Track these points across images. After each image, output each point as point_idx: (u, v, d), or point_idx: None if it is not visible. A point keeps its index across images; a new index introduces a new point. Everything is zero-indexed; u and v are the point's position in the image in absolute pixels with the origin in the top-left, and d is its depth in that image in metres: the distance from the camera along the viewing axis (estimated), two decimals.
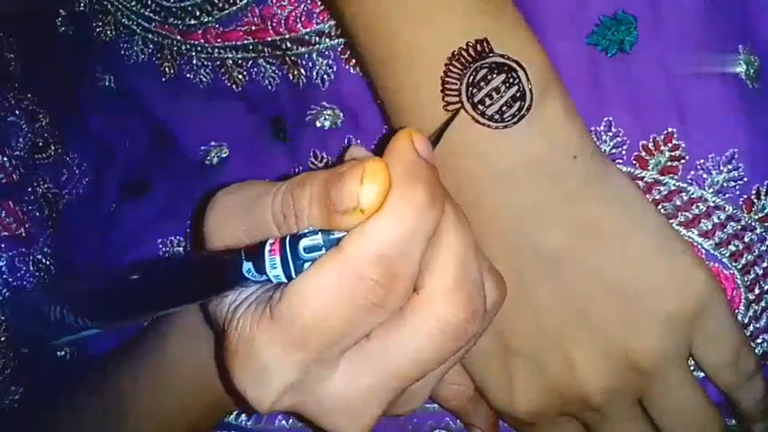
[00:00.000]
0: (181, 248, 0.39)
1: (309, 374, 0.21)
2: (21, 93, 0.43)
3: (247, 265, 0.22)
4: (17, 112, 0.42)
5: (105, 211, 0.43)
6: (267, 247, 0.22)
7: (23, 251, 0.39)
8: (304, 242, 0.21)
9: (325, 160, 0.35)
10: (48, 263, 0.41)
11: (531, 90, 0.25)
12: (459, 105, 0.26)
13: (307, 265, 0.21)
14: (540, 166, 0.26)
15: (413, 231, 0.20)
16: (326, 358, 0.21)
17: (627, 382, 0.27)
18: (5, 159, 0.40)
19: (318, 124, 0.34)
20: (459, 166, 0.27)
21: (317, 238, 0.21)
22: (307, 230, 0.22)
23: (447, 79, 0.26)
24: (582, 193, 0.26)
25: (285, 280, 0.22)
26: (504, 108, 0.25)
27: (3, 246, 0.39)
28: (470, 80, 0.25)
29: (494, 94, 0.25)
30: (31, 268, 0.40)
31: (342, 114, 0.34)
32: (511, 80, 0.25)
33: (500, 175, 0.26)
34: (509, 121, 0.25)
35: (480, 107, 0.25)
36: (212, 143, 0.40)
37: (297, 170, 0.36)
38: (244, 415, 0.39)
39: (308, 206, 0.21)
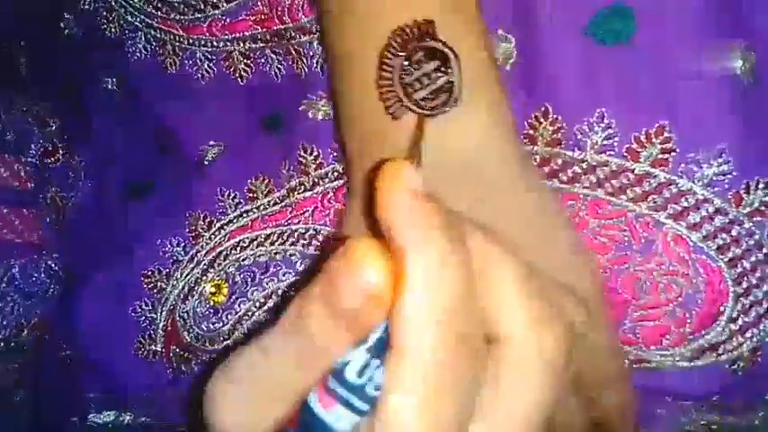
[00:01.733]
0: (180, 248, 0.39)
1: None
2: (32, 98, 0.44)
3: None
4: (29, 119, 0.43)
5: (108, 213, 0.44)
6: (317, 407, 0.18)
7: (35, 257, 0.40)
8: (352, 369, 0.18)
9: (314, 153, 0.35)
10: (57, 268, 0.41)
11: (459, 85, 0.24)
12: (391, 83, 0.25)
13: (370, 387, 0.18)
14: (449, 167, 0.25)
15: (453, 282, 0.18)
16: None
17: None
18: (19, 167, 0.40)
19: (311, 115, 0.35)
20: (372, 131, 0.26)
21: (361, 354, 0.18)
22: (340, 360, 0.18)
23: (386, 53, 0.25)
24: (490, 201, 0.25)
25: (359, 417, 0.18)
26: (430, 96, 0.25)
27: (16, 252, 0.39)
28: (405, 59, 0.25)
29: (424, 79, 0.24)
30: (42, 275, 0.40)
31: None
32: (443, 69, 0.24)
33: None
34: (431, 111, 0.24)
35: (408, 89, 0.25)
36: (211, 142, 0.40)
37: (286, 164, 0.36)
38: None
39: (323, 333, 0.18)
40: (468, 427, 0.19)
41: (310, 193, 0.35)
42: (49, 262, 0.41)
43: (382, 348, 0.18)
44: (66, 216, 0.43)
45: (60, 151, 0.44)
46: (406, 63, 0.24)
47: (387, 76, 0.25)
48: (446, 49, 0.24)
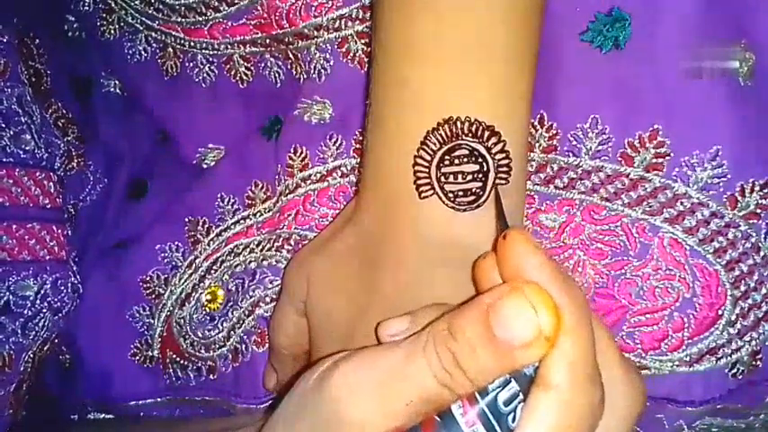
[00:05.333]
0: (180, 254, 0.39)
1: None
2: (56, 108, 0.44)
3: None
4: (56, 130, 0.43)
5: (106, 214, 0.44)
6: (460, 419, 0.20)
7: (63, 273, 0.40)
8: (502, 397, 0.20)
9: (302, 155, 0.35)
10: (78, 283, 0.41)
11: (488, 196, 0.26)
12: (428, 166, 0.26)
13: (510, 418, 0.20)
14: (456, 251, 0.26)
15: (592, 340, 0.20)
16: None
17: None
18: (50, 184, 0.40)
19: (306, 119, 0.35)
20: (393, 205, 0.27)
21: (513, 386, 0.20)
22: (495, 384, 0.20)
23: (432, 136, 0.26)
24: None
25: None
26: (461, 194, 0.26)
27: (48, 269, 0.39)
28: (447, 153, 0.26)
29: (459, 176, 0.26)
30: (69, 290, 0.40)
31: (332, 109, 0.34)
32: (479, 176, 0.26)
33: (423, 247, 0.26)
34: (456, 205, 0.26)
35: (443, 179, 0.26)
36: (210, 145, 0.40)
37: (277, 167, 0.36)
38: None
39: (472, 354, 0.19)
40: None
41: (292, 195, 0.35)
42: (73, 279, 0.41)
43: (527, 385, 0.20)
44: (76, 222, 0.43)
45: (75, 159, 0.44)
46: (447, 155, 0.26)
47: (426, 157, 0.26)
48: (490, 162, 0.26)
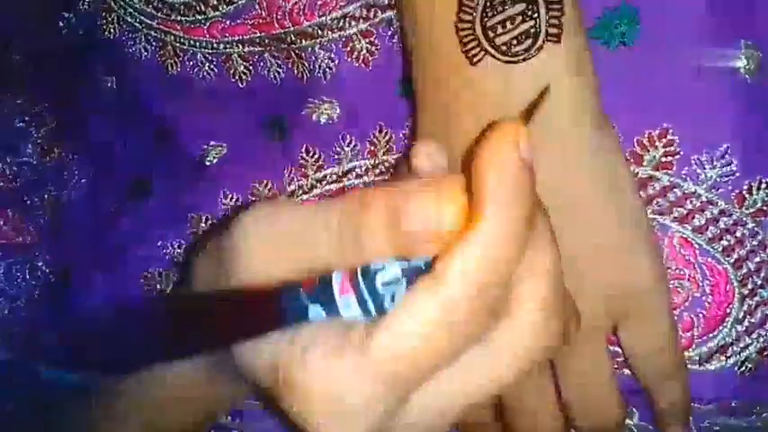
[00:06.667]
0: (181, 250, 0.39)
1: (389, 416, 0.20)
2: (30, 97, 0.43)
3: (314, 309, 0.20)
4: (26, 117, 0.42)
5: (103, 212, 0.43)
6: (336, 287, 0.20)
7: (20, 259, 0.39)
8: (382, 276, 0.19)
9: (315, 156, 0.35)
10: (47, 270, 0.40)
11: (546, 30, 0.23)
12: (471, 25, 0.23)
13: (387, 299, 0.20)
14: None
15: (512, 255, 0.18)
16: (409, 392, 0.20)
17: None
18: (4, 167, 0.39)
19: (315, 118, 0.34)
20: (453, 88, 0.25)
21: (396, 269, 0.19)
22: (380, 264, 0.20)
23: None
24: (563, 155, 0.25)
25: (361, 316, 0.20)
26: (515, 42, 0.23)
27: (0, 254, 0.38)
28: (488, 1, 0.23)
29: (507, 23, 0.24)
30: (28, 276, 0.39)
31: (339, 109, 0.34)
32: (529, 13, 0.23)
33: (481, 113, 0.24)
34: (513, 57, 0.23)
35: (489, 33, 0.23)
36: (212, 142, 0.40)
37: (289, 168, 0.36)
38: (230, 417, 0.38)
39: (374, 234, 0.19)
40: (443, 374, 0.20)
41: (307, 196, 0.35)
42: (38, 263, 0.40)
43: (415, 275, 0.19)
44: (59, 215, 0.43)
45: (56, 150, 0.44)
46: (488, 4, 0.23)
47: (467, 18, 0.23)
48: None
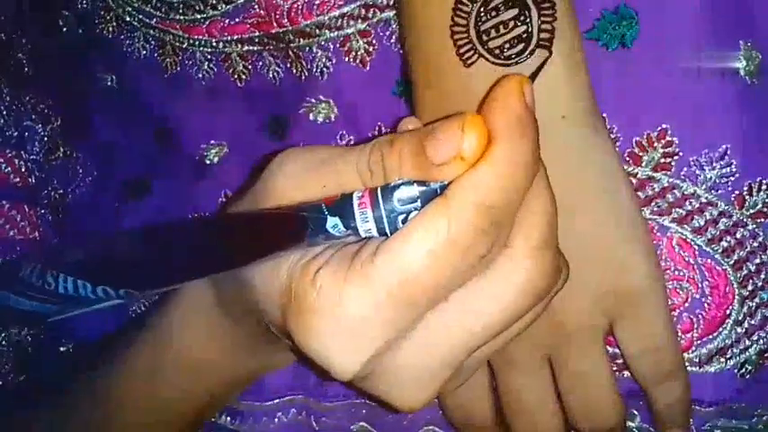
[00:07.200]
0: None
1: (394, 341, 0.20)
2: (35, 95, 0.44)
3: (333, 221, 0.21)
4: (33, 116, 0.42)
5: (107, 211, 0.43)
6: (356, 201, 0.21)
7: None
8: (399, 193, 0.20)
9: None
10: None
11: (538, 35, 0.24)
12: (465, 30, 0.24)
13: (401, 217, 0.20)
14: None
15: (518, 184, 0.20)
16: (413, 319, 0.20)
17: (543, 339, 0.28)
18: (21, 163, 0.40)
19: (312, 117, 0.34)
20: (447, 89, 0.26)
21: (413, 189, 0.20)
22: (399, 181, 0.21)
23: (461, 1, 0.24)
24: (558, 155, 0.26)
25: (377, 234, 0.21)
26: (507, 46, 0.24)
27: (18, 249, 0.38)
28: (482, 6, 0.24)
29: (501, 27, 0.24)
30: None
31: (336, 108, 0.34)
32: (522, 18, 0.24)
33: None
34: (507, 60, 0.24)
35: (483, 36, 0.24)
36: (212, 141, 0.40)
37: None
38: (228, 417, 0.38)
39: (400, 161, 0.21)
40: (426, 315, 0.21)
41: None
42: None
43: (428, 199, 0.20)
44: (65, 213, 0.43)
45: (61, 149, 0.44)
46: (482, 9, 0.24)
47: (461, 22, 0.24)
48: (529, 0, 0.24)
